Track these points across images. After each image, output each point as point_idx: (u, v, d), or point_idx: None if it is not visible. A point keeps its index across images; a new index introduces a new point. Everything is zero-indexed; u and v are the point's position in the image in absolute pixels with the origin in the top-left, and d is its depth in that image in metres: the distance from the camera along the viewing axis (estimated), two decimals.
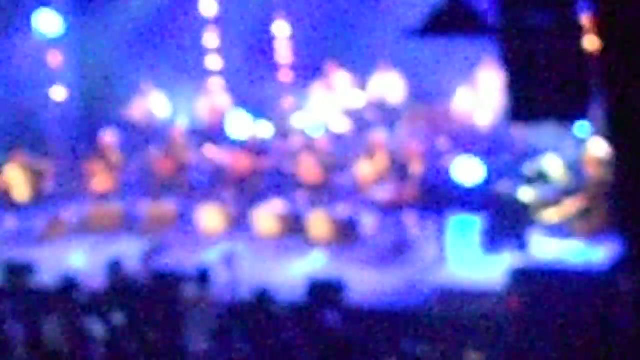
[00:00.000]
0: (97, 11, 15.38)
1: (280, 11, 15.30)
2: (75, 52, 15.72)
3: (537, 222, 11.09)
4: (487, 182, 11.43)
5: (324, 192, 12.73)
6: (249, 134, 13.90)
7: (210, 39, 15.57)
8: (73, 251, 12.71)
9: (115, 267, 10.51)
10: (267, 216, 12.74)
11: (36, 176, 13.72)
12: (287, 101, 14.56)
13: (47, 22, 15.12)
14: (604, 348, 8.17)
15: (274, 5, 15.30)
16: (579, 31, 8.60)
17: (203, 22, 15.52)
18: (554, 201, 11.11)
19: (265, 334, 9.17)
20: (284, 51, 15.37)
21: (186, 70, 15.35)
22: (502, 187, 11.29)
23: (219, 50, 15.60)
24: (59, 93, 15.72)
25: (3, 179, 13.60)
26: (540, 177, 11.25)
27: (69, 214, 13.83)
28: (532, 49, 8.91)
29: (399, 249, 11.79)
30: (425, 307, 10.20)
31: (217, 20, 15.48)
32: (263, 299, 9.79)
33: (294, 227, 12.54)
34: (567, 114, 9.33)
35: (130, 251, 11.46)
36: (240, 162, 13.29)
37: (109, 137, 13.97)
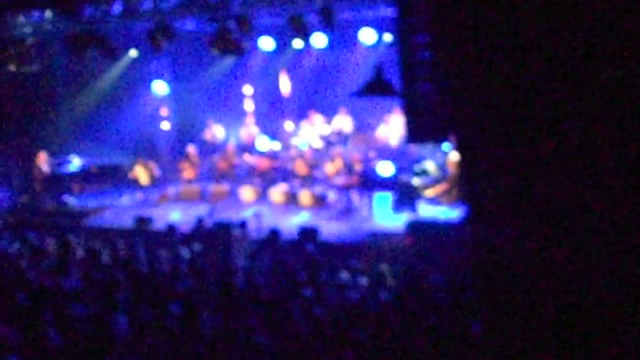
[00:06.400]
0: (187, 81, 15.41)
1: (285, 82, 15.25)
2: (175, 102, 15.73)
3: (421, 197, 11.17)
4: (395, 174, 11.48)
5: (308, 180, 12.80)
6: (268, 148, 13.91)
7: (248, 94, 15.52)
8: (173, 211, 12.76)
9: (200, 221, 10.58)
10: (277, 192, 12.82)
11: (151, 171, 13.77)
12: (288, 130, 14.53)
13: (159, 87, 15.13)
14: (459, 266, 8.05)
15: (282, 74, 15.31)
16: (445, 93, 8.61)
17: (243, 84, 15.49)
18: (431, 185, 11.19)
19: (276, 256, 9.20)
20: (287, 103, 15.29)
21: (235, 112, 15.32)
22: (403, 177, 11.36)
23: (252, 101, 15.51)
24: (165, 125, 15.77)
25: (134, 172, 13.63)
26: (423, 172, 11.32)
27: (171, 191, 13.90)
28: (419, 104, 8.96)
29: (348, 211, 11.82)
30: (362, 242, 10.26)
31: (253, 84, 15.47)
32: (275, 236, 9.87)
33: (291, 198, 12.61)
34: (438, 138, 9.40)
35: (202, 211, 11.52)
36: (263, 163, 13.35)
37: (192, 149, 14.04)
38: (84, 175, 14.13)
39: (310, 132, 13.91)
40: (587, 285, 2.63)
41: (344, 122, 13.89)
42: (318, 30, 11.29)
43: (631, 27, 2.36)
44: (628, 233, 2.54)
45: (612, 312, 2.56)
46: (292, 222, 11.23)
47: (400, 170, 11.53)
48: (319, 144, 13.59)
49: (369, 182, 11.62)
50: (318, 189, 12.55)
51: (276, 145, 13.93)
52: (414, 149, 11.97)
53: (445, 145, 10.85)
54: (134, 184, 13.68)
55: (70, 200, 13.48)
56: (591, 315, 2.63)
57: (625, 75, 2.39)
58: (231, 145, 14.14)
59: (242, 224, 10.17)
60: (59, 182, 13.66)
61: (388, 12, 11.00)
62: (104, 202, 13.45)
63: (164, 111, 15.63)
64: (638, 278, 2.51)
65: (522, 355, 2.90)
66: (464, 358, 5.62)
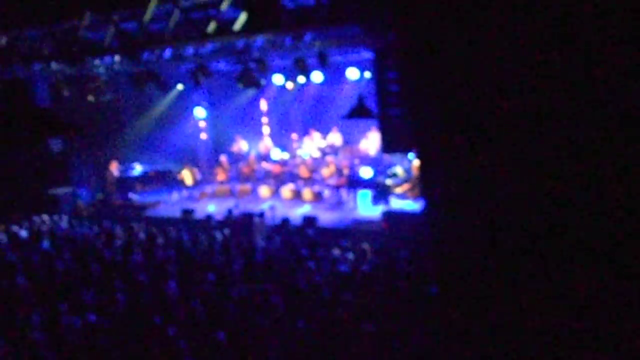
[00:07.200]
0: (219, 107, 15.43)
1: (293, 108, 15.22)
2: (211, 123, 15.70)
3: (393, 193, 11.13)
4: (374, 177, 11.42)
5: (310, 181, 12.79)
6: (279, 157, 13.88)
7: (265, 114, 15.47)
8: (209, 205, 12.72)
9: (230, 211, 10.55)
10: (286, 190, 12.78)
11: (194, 174, 13.76)
12: (295, 143, 14.52)
13: (199, 112, 15.17)
14: (420, 244, 8.08)
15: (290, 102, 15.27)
16: (409, 116, 8.53)
17: (261, 109, 15.44)
18: (400, 185, 11.16)
19: (286, 238, 9.19)
20: (294, 123, 15.28)
21: (255, 130, 15.29)
22: (379, 179, 11.32)
23: (268, 121, 15.49)
24: (204, 139, 15.70)
25: (181, 175, 13.65)
26: (394, 175, 11.29)
27: (208, 189, 13.90)
28: (391, 124, 8.95)
29: (338, 204, 11.80)
30: (349, 227, 10.24)
31: (267, 106, 15.44)
32: (285, 223, 9.88)
33: (297, 195, 12.58)
34: (405, 149, 9.38)
35: (231, 205, 11.52)
36: (276, 169, 13.34)
37: (223, 158, 14.03)
38: (144, 178, 14.19)
39: (310, 145, 13.91)
40: (513, 256, 2.66)
41: (335, 137, 13.90)
42: (316, 69, 11.33)
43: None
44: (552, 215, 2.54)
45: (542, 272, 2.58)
46: (298, 213, 11.23)
47: (377, 173, 11.49)
48: (317, 154, 13.57)
49: (354, 182, 11.60)
50: (317, 188, 12.54)
51: (285, 155, 13.93)
52: (388, 157, 11.96)
53: (410, 155, 10.82)
54: (181, 184, 13.70)
55: (134, 197, 13.54)
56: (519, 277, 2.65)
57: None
58: (252, 155, 14.14)
59: (261, 214, 10.13)
60: (125, 183, 13.75)
61: (368, 55, 11.07)
62: (158, 198, 13.48)
63: (202, 128, 15.65)
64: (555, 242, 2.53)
65: (468, 309, 2.96)
66: (425, 312, 5.66)
